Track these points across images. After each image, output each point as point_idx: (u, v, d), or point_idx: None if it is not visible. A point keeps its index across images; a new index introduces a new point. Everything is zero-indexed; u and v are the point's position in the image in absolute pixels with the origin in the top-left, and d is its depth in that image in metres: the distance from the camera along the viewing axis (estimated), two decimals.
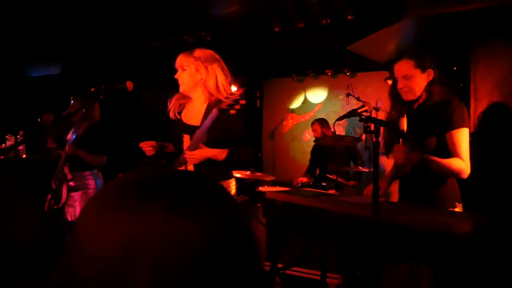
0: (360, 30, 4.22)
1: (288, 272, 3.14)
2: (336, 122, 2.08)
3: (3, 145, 4.04)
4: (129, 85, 2.38)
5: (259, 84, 6.78)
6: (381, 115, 3.34)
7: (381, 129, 1.81)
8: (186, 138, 2.24)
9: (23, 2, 4.40)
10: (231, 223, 0.51)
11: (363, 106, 1.96)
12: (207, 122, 2.08)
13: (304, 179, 4.73)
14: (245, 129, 2.30)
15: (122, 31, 5.16)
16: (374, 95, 5.34)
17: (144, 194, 0.49)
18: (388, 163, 2.26)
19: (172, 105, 2.41)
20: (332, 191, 3.95)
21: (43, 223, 3.39)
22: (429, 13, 3.68)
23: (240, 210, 0.53)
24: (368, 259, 2.40)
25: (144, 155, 2.35)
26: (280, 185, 4.57)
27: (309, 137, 6.30)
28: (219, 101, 2.17)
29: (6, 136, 4.07)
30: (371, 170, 2.19)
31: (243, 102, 2.04)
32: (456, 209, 2.03)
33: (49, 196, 3.18)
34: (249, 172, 4.02)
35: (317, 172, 4.88)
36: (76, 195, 3.21)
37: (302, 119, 6.59)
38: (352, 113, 1.95)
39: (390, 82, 2.34)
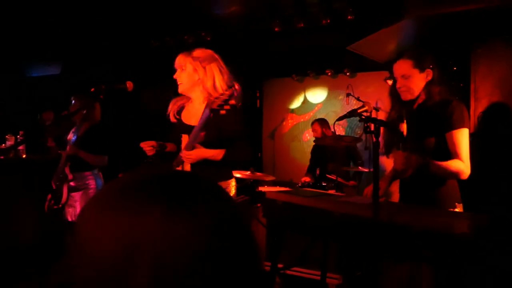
0: (360, 30, 4.23)
1: (288, 272, 3.14)
2: (336, 122, 2.08)
3: (3, 145, 4.04)
4: (129, 85, 2.38)
5: (259, 84, 6.78)
6: (381, 115, 3.34)
7: (381, 129, 1.81)
8: (185, 138, 2.24)
9: (23, 2, 4.40)
10: (230, 223, 0.51)
11: (363, 106, 1.96)
12: (200, 122, 2.08)
13: (308, 179, 4.73)
14: (244, 129, 2.30)
15: (122, 31, 5.16)
16: (374, 95, 5.33)
17: (143, 194, 0.49)
18: (388, 163, 2.26)
19: (171, 109, 2.43)
20: (332, 191, 3.95)
21: (43, 223, 3.39)
22: (429, 13, 3.68)
23: (239, 210, 0.53)
24: (368, 259, 2.40)
25: (145, 155, 2.36)
26: (280, 185, 4.57)
27: (309, 137, 6.30)
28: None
29: (6, 136, 4.07)
30: (371, 170, 2.19)
31: (232, 102, 2.04)
32: (456, 210, 2.03)
33: (49, 196, 3.18)
34: (249, 172, 4.02)
35: (317, 172, 4.88)
36: (77, 195, 3.21)
37: (302, 119, 6.59)
38: (352, 113, 1.95)
39: (390, 82, 2.34)
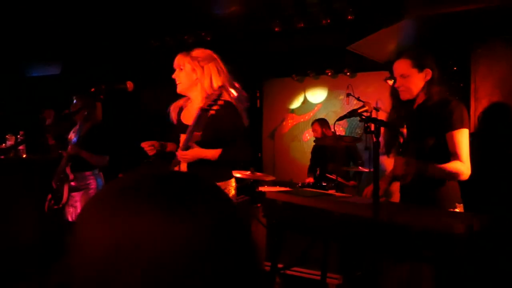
0: (360, 30, 4.23)
1: (288, 272, 3.14)
2: (336, 122, 2.08)
3: (3, 145, 4.04)
4: (129, 85, 2.38)
5: (259, 84, 6.78)
6: (381, 115, 3.34)
7: (382, 129, 1.81)
8: (183, 138, 2.24)
9: (23, 2, 4.40)
10: (229, 223, 0.51)
11: (363, 106, 1.97)
12: (193, 121, 2.09)
13: (312, 180, 4.73)
14: (242, 129, 2.28)
15: (122, 31, 5.16)
16: (374, 95, 5.33)
17: (143, 195, 0.49)
18: (388, 162, 2.26)
19: (172, 111, 2.44)
20: (332, 191, 3.95)
21: (43, 223, 3.39)
22: (429, 13, 3.68)
23: (238, 211, 0.54)
24: (368, 259, 2.40)
25: (145, 155, 2.35)
26: (280, 185, 4.57)
27: (309, 137, 6.31)
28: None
29: (6, 136, 4.07)
30: (371, 170, 2.19)
31: (221, 102, 2.04)
32: (457, 210, 2.03)
33: (49, 196, 3.18)
34: (249, 172, 4.02)
35: (317, 172, 4.88)
36: (77, 195, 3.21)
37: (302, 119, 6.59)
38: (352, 113, 1.95)
39: (390, 82, 2.35)
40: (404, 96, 2.15)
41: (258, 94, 6.81)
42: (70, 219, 3.19)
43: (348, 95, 4.86)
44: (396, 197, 2.39)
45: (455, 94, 3.52)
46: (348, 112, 1.98)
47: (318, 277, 2.80)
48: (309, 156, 5.25)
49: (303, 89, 6.55)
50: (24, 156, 4.02)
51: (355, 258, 2.94)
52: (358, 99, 4.61)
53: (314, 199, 2.08)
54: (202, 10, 4.68)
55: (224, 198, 0.54)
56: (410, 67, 2.10)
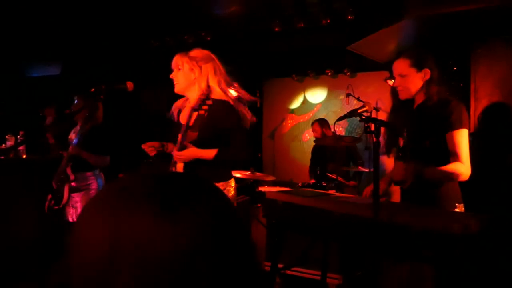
0: (360, 30, 4.23)
1: (288, 272, 3.14)
2: (336, 122, 2.08)
3: (3, 145, 4.04)
4: (129, 85, 2.38)
5: (259, 84, 6.78)
6: (381, 115, 3.34)
7: (382, 129, 1.81)
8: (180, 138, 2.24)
9: (23, 2, 4.40)
10: (228, 223, 0.51)
11: (363, 106, 1.97)
12: (186, 122, 2.09)
13: (314, 180, 4.73)
14: (240, 128, 2.27)
15: (122, 31, 5.16)
16: (374, 95, 5.34)
17: (142, 195, 0.49)
18: (389, 162, 2.26)
19: (173, 111, 2.44)
20: (332, 191, 3.95)
21: (43, 223, 3.39)
22: (429, 13, 3.68)
23: (236, 211, 0.54)
24: (368, 259, 2.40)
25: (145, 155, 2.35)
26: (280, 185, 4.57)
27: (309, 137, 6.31)
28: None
29: (6, 137, 4.07)
30: (371, 170, 2.19)
31: (209, 102, 2.04)
32: (457, 210, 2.03)
33: (49, 196, 3.18)
34: (249, 172, 4.02)
35: (317, 172, 4.88)
36: (78, 196, 3.21)
37: (302, 119, 6.59)
38: (352, 113, 1.95)
39: (390, 82, 2.35)
40: (403, 95, 2.15)
41: (258, 94, 6.80)
42: (70, 220, 3.19)
43: (348, 95, 4.86)
44: (396, 197, 2.39)
45: (455, 94, 3.52)
46: (348, 112, 1.98)
47: (318, 277, 2.80)
48: (309, 156, 5.25)
49: (303, 89, 6.55)
50: (24, 156, 4.02)
51: (355, 258, 2.94)
52: (358, 99, 4.61)
53: (314, 199, 2.08)
54: (202, 10, 4.68)
55: (224, 198, 0.54)
56: (408, 66, 2.10)
